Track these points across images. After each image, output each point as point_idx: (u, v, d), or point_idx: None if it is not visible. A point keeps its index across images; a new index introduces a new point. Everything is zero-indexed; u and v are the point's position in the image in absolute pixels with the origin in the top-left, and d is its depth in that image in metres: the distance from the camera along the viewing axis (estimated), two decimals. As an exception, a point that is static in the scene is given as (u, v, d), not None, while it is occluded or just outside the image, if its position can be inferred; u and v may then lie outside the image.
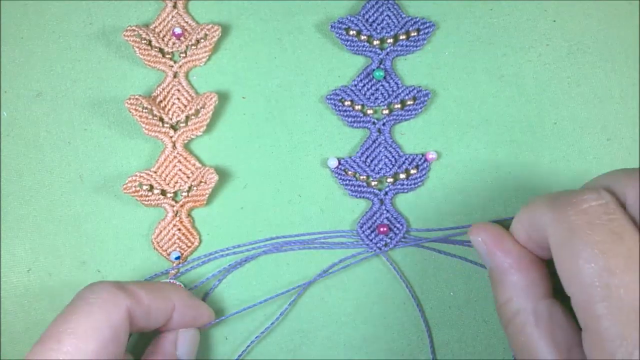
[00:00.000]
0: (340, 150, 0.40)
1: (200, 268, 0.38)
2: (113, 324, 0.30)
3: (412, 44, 0.39)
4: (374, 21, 0.40)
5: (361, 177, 0.39)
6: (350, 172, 0.39)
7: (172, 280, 0.38)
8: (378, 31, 0.40)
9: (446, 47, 0.40)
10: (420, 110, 0.39)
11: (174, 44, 0.40)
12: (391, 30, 0.39)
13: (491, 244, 0.31)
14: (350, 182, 0.39)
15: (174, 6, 0.40)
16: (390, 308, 0.38)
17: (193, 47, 0.40)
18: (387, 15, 0.40)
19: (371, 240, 0.38)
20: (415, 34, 0.39)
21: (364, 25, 0.39)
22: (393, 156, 0.39)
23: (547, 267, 0.31)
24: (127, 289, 0.32)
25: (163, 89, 0.39)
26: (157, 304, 0.33)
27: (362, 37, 0.39)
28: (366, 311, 0.38)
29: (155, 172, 0.38)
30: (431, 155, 0.39)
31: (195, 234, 0.39)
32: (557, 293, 0.30)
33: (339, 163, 0.39)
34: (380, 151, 0.39)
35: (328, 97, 0.39)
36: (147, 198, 0.38)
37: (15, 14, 0.40)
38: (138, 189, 0.38)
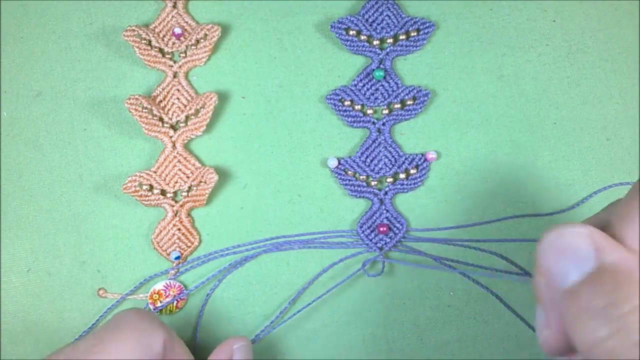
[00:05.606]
0: (340, 150, 0.40)
1: (200, 268, 0.38)
2: None
3: (412, 44, 0.39)
4: (373, 21, 0.40)
5: (361, 177, 0.39)
6: (350, 172, 0.39)
7: (171, 280, 0.38)
8: (378, 31, 0.39)
9: (446, 47, 0.40)
10: (420, 110, 0.39)
11: (173, 44, 0.40)
12: (391, 30, 0.39)
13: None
14: (350, 182, 0.39)
15: (174, 6, 0.40)
16: (390, 308, 0.38)
17: (193, 47, 0.40)
18: (387, 15, 0.40)
19: (371, 240, 0.38)
20: (415, 34, 0.39)
21: (363, 25, 0.39)
22: (393, 156, 0.39)
23: None
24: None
25: (163, 89, 0.39)
26: None
27: (362, 37, 0.39)
28: (366, 311, 0.38)
29: (155, 172, 0.38)
30: (431, 155, 0.39)
31: (195, 234, 0.39)
32: None
33: (339, 163, 0.39)
34: (380, 151, 0.39)
35: (328, 97, 0.39)
36: (147, 198, 0.38)
37: (15, 14, 0.40)
38: (138, 188, 0.38)
